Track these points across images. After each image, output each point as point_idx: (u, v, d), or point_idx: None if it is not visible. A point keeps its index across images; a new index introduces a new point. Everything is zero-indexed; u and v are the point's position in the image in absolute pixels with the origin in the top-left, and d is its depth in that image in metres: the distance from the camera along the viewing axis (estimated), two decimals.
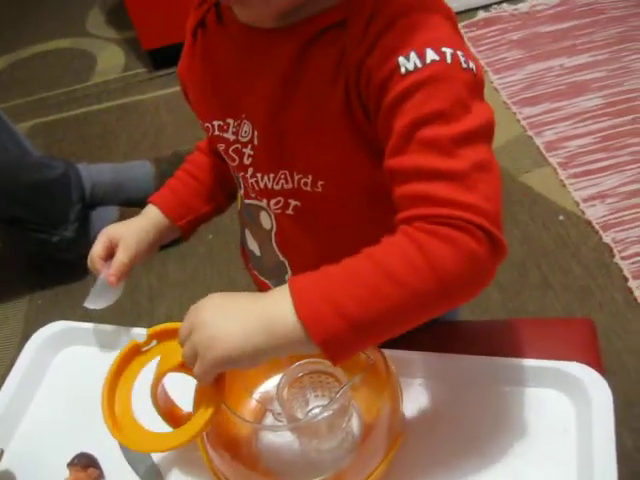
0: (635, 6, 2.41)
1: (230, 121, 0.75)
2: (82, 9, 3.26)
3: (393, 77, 0.61)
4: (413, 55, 0.60)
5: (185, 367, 0.64)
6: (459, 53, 0.62)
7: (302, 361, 0.68)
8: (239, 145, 0.75)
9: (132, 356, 0.71)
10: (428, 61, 0.60)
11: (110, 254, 0.87)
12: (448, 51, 0.61)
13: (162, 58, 2.62)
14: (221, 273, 1.86)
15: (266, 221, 0.81)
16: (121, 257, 0.86)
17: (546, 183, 1.88)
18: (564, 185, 1.85)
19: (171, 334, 0.68)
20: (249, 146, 0.74)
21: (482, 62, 2.30)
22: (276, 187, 0.74)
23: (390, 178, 0.62)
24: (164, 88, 2.53)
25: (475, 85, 0.63)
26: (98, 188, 1.89)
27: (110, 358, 0.87)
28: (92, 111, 2.60)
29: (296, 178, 0.72)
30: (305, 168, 0.71)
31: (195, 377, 0.62)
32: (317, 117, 0.67)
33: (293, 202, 0.75)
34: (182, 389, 0.70)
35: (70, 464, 0.75)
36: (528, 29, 2.42)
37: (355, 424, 0.68)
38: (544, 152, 1.96)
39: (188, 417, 0.72)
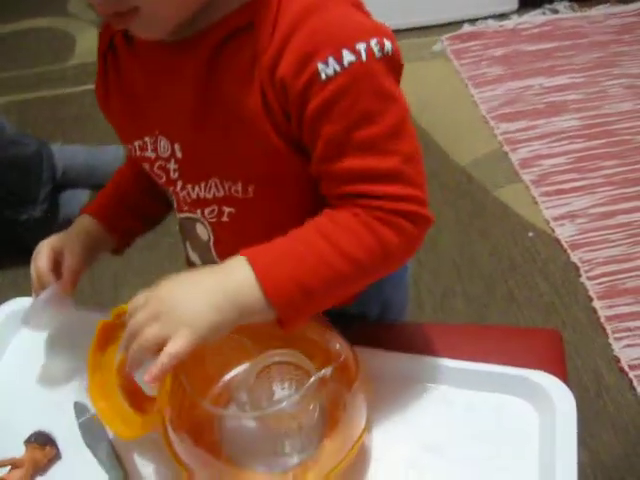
0: (616, 33, 2.47)
1: (147, 139, 0.75)
2: None
3: (314, 84, 0.61)
4: (331, 60, 0.61)
5: None
6: (372, 43, 0.62)
7: (271, 351, 0.67)
8: (162, 162, 0.75)
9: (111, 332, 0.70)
10: (346, 64, 0.61)
11: (56, 266, 0.83)
12: (362, 47, 0.61)
13: None
14: (187, 267, 1.84)
15: (203, 233, 0.80)
16: (71, 264, 0.82)
17: (518, 199, 1.90)
18: (536, 202, 1.88)
19: None
20: (172, 160, 0.73)
21: (464, 75, 2.34)
22: (208, 196, 0.74)
23: (323, 180, 0.67)
24: None
25: (392, 67, 0.64)
26: (70, 170, 1.88)
27: (70, 338, 0.86)
28: (68, 93, 2.57)
29: (226, 185, 0.72)
30: (233, 175, 0.71)
31: (167, 356, 0.60)
32: (236, 122, 0.66)
33: (227, 209, 0.75)
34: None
35: (27, 441, 0.74)
36: (511, 46, 2.46)
37: (320, 418, 0.68)
38: (518, 169, 1.98)
39: (152, 401, 0.71)
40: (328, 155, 0.64)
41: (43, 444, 0.74)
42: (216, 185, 0.72)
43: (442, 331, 0.81)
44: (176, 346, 0.59)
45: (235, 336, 0.68)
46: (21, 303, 0.92)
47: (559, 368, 0.75)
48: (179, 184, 0.75)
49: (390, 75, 0.64)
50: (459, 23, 2.56)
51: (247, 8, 0.64)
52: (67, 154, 1.89)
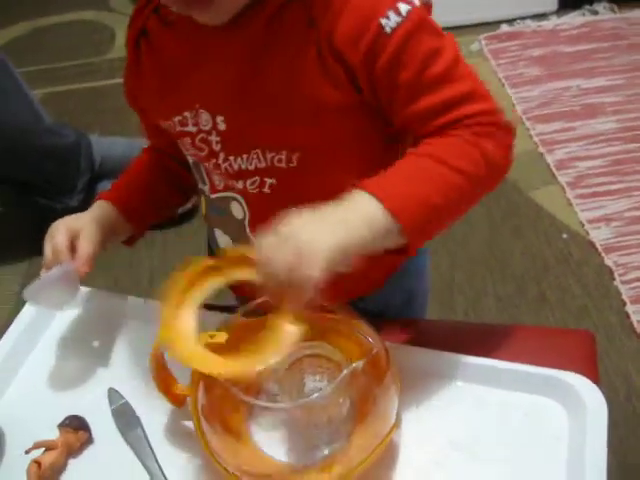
0: None
1: (187, 114, 0.77)
2: None
3: (380, 39, 0.66)
4: (391, 13, 0.66)
5: None
6: None
7: (303, 343, 0.68)
8: (204, 134, 0.77)
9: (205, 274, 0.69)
10: (404, 13, 0.67)
11: (71, 246, 0.83)
12: None
13: None
14: None
15: (238, 211, 0.82)
16: (87, 245, 0.82)
17: (553, 201, 1.89)
18: (571, 204, 1.86)
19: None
20: (214, 133, 0.76)
21: (501, 75, 2.33)
22: (250, 167, 0.76)
23: (409, 123, 0.71)
24: None
25: (431, 10, 0.71)
26: (107, 161, 1.90)
27: (109, 324, 0.88)
28: (107, 85, 2.61)
29: (269, 156, 0.75)
30: (277, 145, 0.74)
31: (298, 283, 0.60)
32: (289, 91, 0.70)
33: (269, 180, 0.77)
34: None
35: (61, 425, 0.76)
36: (549, 47, 2.44)
37: (350, 411, 0.68)
38: (554, 170, 1.97)
39: (183, 391, 0.72)
40: (409, 99, 0.69)
41: (76, 428, 0.76)
42: (258, 156, 0.75)
43: (473, 330, 0.81)
44: (313, 271, 0.59)
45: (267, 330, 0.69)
46: None
47: (591, 370, 0.74)
48: (221, 156, 0.77)
49: (430, 15, 0.70)
50: (497, 23, 2.55)
51: None
52: (105, 145, 1.91)
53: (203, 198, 0.87)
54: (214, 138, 0.76)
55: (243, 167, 0.76)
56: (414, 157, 0.69)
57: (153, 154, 0.94)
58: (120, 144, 1.95)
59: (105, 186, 1.89)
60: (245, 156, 0.75)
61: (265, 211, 0.77)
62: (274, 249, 0.61)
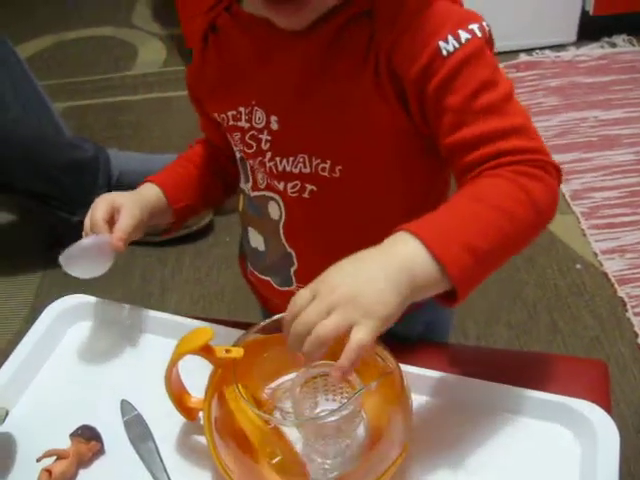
0: None
1: (242, 109, 0.79)
2: (131, 0, 3.33)
3: (436, 60, 0.68)
4: (450, 38, 0.68)
5: (206, 350, 0.65)
6: (480, 24, 0.70)
7: (318, 362, 0.68)
8: (255, 132, 0.79)
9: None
10: (463, 40, 0.68)
11: (111, 221, 0.85)
12: (475, 26, 0.69)
13: None
14: (235, 275, 1.86)
15: (275, 211, 0.83)
16: (127, 222, 0.84)
17: (568, 231, 1.89)
18: (585, 235, 1.87)
19: None
20: (265, 132, 0.78)
21: None
22: (294, 170, 0.78)
23: (452, 151, 0.70)
24: None
25: (492, 46, 0.72)
26: (125, 176, 1.91)
27: (122, 336, 0.89)
28: (127, 101, 2.64)
29: (314, 163, 0.76)
30: (324, 153, 0.75)
31: (356, 345, 0.57)
32: (342, 102, 0.72)
33: (309, 186, 0.78)
34: (194, 376, 0.72)
35: (73, 434, 0.76)
36: (567, 77, 2.45)
37: (362, 431, 0.69)
38: (569, 200, 1.97)
39: (196, 405, 0.73)
40: (455, 125, 0.69)
41: (88, 438, 0.76)
42: (304, 161, 0.77)
43: (486, 355, 0.82)
44: (362, 333, 0.57)
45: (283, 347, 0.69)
46: (72, 301, 0.95)
47: (604, 399, 0.74)
48: (268, 155, 0.79)
49: (492, 52, 0.71)
50: (516, 52, 2.56)
51: None
52: (122, 160, 1.93)
53: (242, 196, 0.88)
54: (265, 137, 0.78)
55: (287, 169, 0.78)
56: (462, 199, 0.67)
57: (205, 145, 0.96)
58: (137, 159, 1.97)
59: None
60: (291, 159, 0.77)
61: (301, 216, 0.81)
62: (303, 304, 0.60)
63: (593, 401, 0.72)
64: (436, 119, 0.70)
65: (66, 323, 0.92)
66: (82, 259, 0.83)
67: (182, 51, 2.81)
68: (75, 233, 1.86)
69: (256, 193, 0.84)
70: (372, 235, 0.63)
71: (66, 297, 0.95)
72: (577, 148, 2.14)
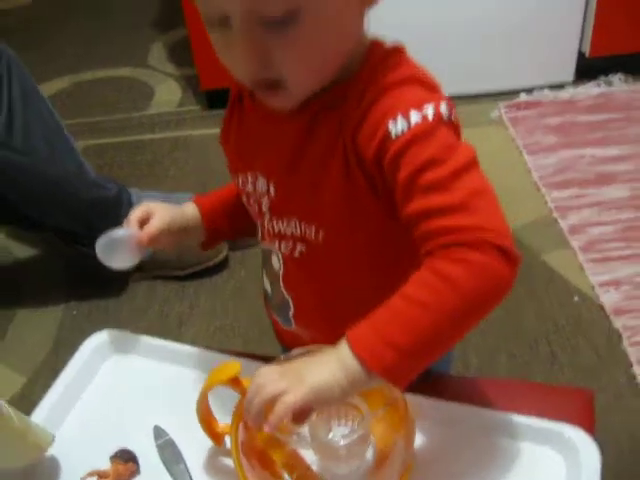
0: None
1: (249, 176, 0.88)
2: (146, 42, 3.43)
3: (386, 142, 0.71)
4: (400, 119, 0.70)
5: (234, 382, 0.74)
6: (441, 107, 0.71)
7: None
8: (257, 196, 0.88)
9: None
10: (412, 122, 0.70)
11: (145, 223, 0.96)
12: (429, 108, 0.71)
13: (217, 99, 2.75)
14: (249, 308, 1.95)
15: (276, 263, 0.92)
16: (156, 223, 0.94)
17: (566, 264, 1.96)
18: (582, 268, 1.93)
19: None
20: (265, 197, 0.86)
21: (519, 142, 2.42)
22: (288, 232, 0.86)
23: (407, 225, 0.72)
24: (215, 127, 2.62)
25: (455, 130, 0.73)
26: None
27: (152, 367, 0.98)
28: (144, 140, 2.73)
29: (303, 227, 0.84)
30: (310, 219, 0.83)
31: (283, 404, 0.67)
32: (321, 178, 0.78)
33: (300, 247, 0.86)
34: (221, 405, 0.81)
35: (113, 457, 0.84)
36: (566, 116, 2.53)
37: (371, 453, 0.77)
38: (567, 235, 2.04)
39: (224, 430, 0.82)
40: (402, 200, 0.71)
41: (126, 460, 0.84)
42: (295, 225, 0.85)
43: (485, 384, 0.90)
44: (291, 397, 0.67)
45: None
46: (106, 336, 1.03)
47: (588, 424, 0.82)
48: (267, 217, 0.88)
49: (451, 133, 0.72)
50: (517, 92, 2.65)
51: (345, 84, 0.76)
52: (144, 199, 2.01)
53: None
54: (265, 201, 0.87)
55: (282, 230, 0.87)
56: (395, 297, 0.69)
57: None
58: (157, 198, 2.06)
59: None
60: (286, 221, 0.86)
61: (294, 270, 0.89)
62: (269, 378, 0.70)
63: (579, 426, 0.80)
64: (394, 194, 0.73)
65: (102, 355, 1.00)
66: (113, 249, 0.95)
67: (197, 92, 2.90)
68: (99, 268, 1.95)
69: (263, 246, 0.94)
70: (354, 287, 0.72)
71: (99, 333, 1.03)
72: (575, 184, 2.22)
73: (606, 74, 2.70)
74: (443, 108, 0.72)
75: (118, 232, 0.95)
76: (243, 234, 1.08)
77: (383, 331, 0.67)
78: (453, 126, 0.73)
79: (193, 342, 1.73)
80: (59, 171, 1.90)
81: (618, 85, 2.66)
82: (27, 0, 4.02)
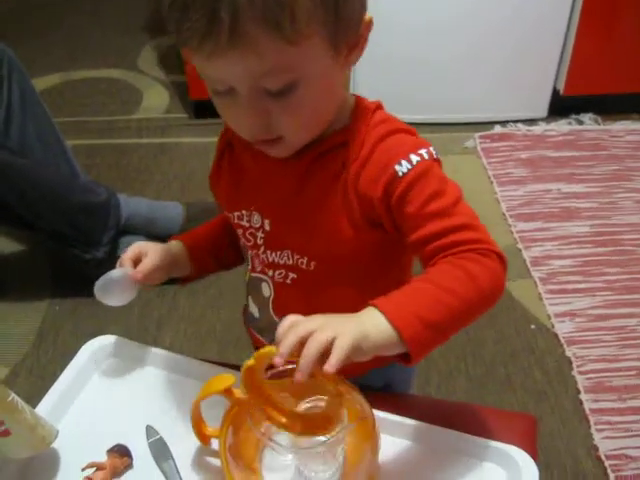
0: (633, 149, 2.65)
1: (244, 212, 0.98)
2: (136, 45, 3.48)
3: (394, 181, 0.84)
4: (404, 162, 0.84)
5: (227, 392, 0.84)
6: (431, 149, 0.87)
7: (310, 398, 0.86)
8: (253, 230, 0.97)
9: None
10: (414, 163, 0.84)
11: (137, 262, 1.03)
12: (423, 151, 0.86)
13: (204, 109, 2.80)
14: (226, 316, 2.03)
15: (266, 290, 1.02)
16: (148, 262, 1.02)
17: (526, 294, 2.07)
18: (541, 298, 2.05)
19: None
20: (260, 230, 0.96)
21: (490, 173, 2.52)
22: (280, 262, 0.96)
23: (414, 247, 0.86)
24: (201, 136, 2.72)
25: (439, 164, 0.88)
26: (132, 219, 2.09)
27: (144, 371, 1.06)
28: (131, 144, 2.79)
29: (295, 257, 0.94)
30: (302, 251, 0.94)
31: (340, 348, 0.71)
32: (317, 215, 0.89)
33: (291, 275, 0.97)
34: (211, 411, 0.89)
35: (109, 450, 0.91)
36: (536, 150, 2.64)
37: (341, 460, 0.87)
38: (529, 266, 2.15)
39: (212, 433, 0.91)
40: (414, 227, 0.84)
41: (121, 454, 0.91)
42: (288, 255, 0.95)
43: (438, 405, 1.01)
44: (345, 341, 0.71)
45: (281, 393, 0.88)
46: (104, 340, 1.09)
47: (530, 445, 0.93)
48: (261, 249, 0.98)
49: (440, 168, 0.87)
50: (492, 123, 2.77)
51: (344, 131, 0.89)
52: (131, 205, 2.11)
53: (247, 271, 1.07)
54: (259, 234, 0.97)
55: (275, 260, 0.97)
56: (416, 282, 0.82)
57: (226, 221, 1.13)
58: (144, 204, 2.15)
59: (129, 241, 2.06)
60: (279, 252, 0.96)
61: (285, 296, 1.00)
62: (291, 326, 0.75)
63: (521, 446, 0.91)
64: (401, 224, 0.86)
65: (98, 359, 1.07)
66: (110, 289, 1.02)
67: (184, 100, 2.97)
68: (88, 268, 2.04)
69: (253, 274, 1.03)
70: (342, 307, 0.79)
71: (99, 337, 1.10)
72: (540, 218, 2.33)
73: (578, 112, 2.82)
74: (432, 149, 0.87)
75: (114, 273, 1.01)
76: (227, 267, 1.17)
77: (416, 307, 0.78)
78: (439, 162, 0.88)
79: (171, 345, 1.83)
80: (52, 174, 1.98)
81: (588, 124, 2.79)
82: None
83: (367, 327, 0.75)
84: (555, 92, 2.79)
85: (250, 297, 1.08)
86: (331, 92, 0.87)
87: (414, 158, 0.85)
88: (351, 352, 0.72)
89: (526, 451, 0.90)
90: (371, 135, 0.87)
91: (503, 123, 2.80)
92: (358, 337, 0.73)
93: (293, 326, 0.75)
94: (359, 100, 0.93)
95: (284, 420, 0.83)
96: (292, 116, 0.82)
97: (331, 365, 0.71)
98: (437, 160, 0.88)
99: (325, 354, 0.72)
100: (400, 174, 0.84)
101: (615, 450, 1.65)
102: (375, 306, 0.78)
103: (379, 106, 0.92)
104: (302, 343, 0.73)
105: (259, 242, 0.98)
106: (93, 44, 3.55)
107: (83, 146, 2.76)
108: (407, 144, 0.87)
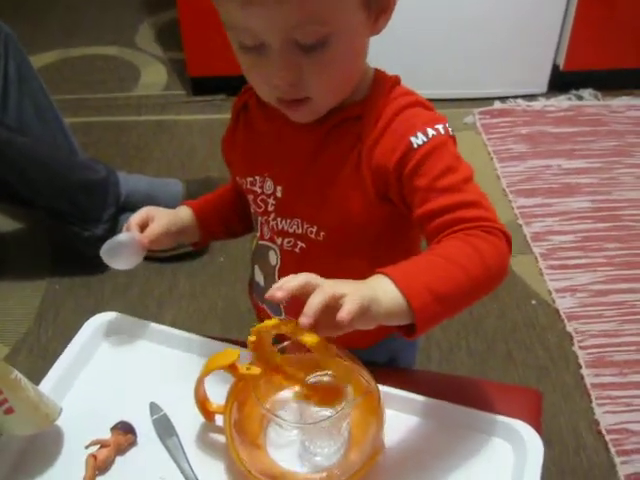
0: (634, 124, 2.64)
1: (257, 178, 0.98)
2: (134, 22, 3.46)
3: (409, 152, 0.85)
4: (419, 134, 0.85)
5: (231, 367, 0.84)
6: (444, 124, 0.87)
7: (316, 373, 0.86)
8: (264, 196, 0.98)
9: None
10: (430, 136, 0.85)
11: (144, 227, 1.04)
12: (440, 126, 0.86)
13: (203, 86, 2.81)
14: (226, 293, 2.04)
15: (273, 259, 1.02)
16: (156, 227, 1.04)
17: (526, 269, 2.07)
18: (542, 274, 2.05)
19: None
20: (272, 197, 0.97)
21: (490, 149, 2.52)
22: (290, 230, 0.97)
23: (421, 222, 0.86)
24: (200, 114, 2.73)
25: (454, 141, 0.89)
26: (132, 196, 2.08)
27: (147, 348, 1.06)
28: (130, 121, 2.79)
29: (305, 226, 0.95)
30: (312, 220, 0.94)
31: (351, 302, 0.71)
32: (330, 184, 0.90)
33: (300, 244, 0.97)
34: (215, 388, 0.90)
35: (113, 428, 0.91)
36: (536, 126, 2.64)
37: (347, 434, 0.88)
38: (530, 241, 2.15)
39: (216, 410, 0.91)
40: (423, 200, 0.84)
41: (125, 431, 0.91)
42: (298, 224, 0.96)
43: (447, 380, 1.01)
44: (355, 298, 0.71)
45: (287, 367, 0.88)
46: (107, 317, 1.09)
47: (535, 419, 0.94)
48: (272, 215, 0.98)
49: (455, 145, 0.88)
50: (491, 99, 2.77)
51: (360, 104, 0.90)
52: (130, 182, 2.10)
53: (254, 240, 1.07)
54: (271, 201, 0.97)
55: (285, 228, 0.97)
56: (425, 255, 0.82)
57: (234, 189, 1.14)
58: (143, 182, 2.15)
59: (127, 218, 2.06)
60: (289, 221, 0.96)
61: (292, 265, 1.00)
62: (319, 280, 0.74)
63: (526, 421, 0.91)
64: (410, 197, 0.86)
65: (101, 336, 1.07)
66: (116, 252, 1.02)
67: (182, 77, 2.96)
68: (87, 246, 2.04)
69: (262, 242, 1.03)
70: (348, 278, 0.81)
71: (101, 314, 1.10)
72: (540, 194, 2.33)
73: (577, 88, 2.82)
74: (448, 126, 0.88)
75: (121, 236, 1.02)
76: (234, 235, 1.18)
77: (426, 278, 0.77)
78: (454, 140, 0.89)
79: (172, 322, 1.82)
80: (50, 151, 1.97)
81: (588, 99, 2.78)
82: None
83: (377, 292, 0.74)
84: (555, 67, 2.78)
85: (257, 265, 1.08)
86: (359, 55, 0.88)
87: (430, 131, 0.86)
88: (360, 312, 0.71)
89: (531, 425, 0.90)
90: (390, 107, 0.88)
91: (503, 99, 2.79)
92: (368, 298, 0.72)
93: (297, 276, 0.75)
94: (378, 73, 0.93)
95: (297, 388, 0.85)
96: (322, 74, 0.83)
97: (346, 312, 0.70)
98: (452, 137, 0.88)
99: (333, 311, 0.71)
100: (415, 146, 0.85)
101: (616, 424, 1.66)
102: (385, 274, 0.77)
103: (397, 80, 0.93)
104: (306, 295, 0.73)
105: (270, 209, 0.98)
106: (90, 21, 3.53)
107: (81, 123, 2.75)
108: (424, 117, 0.88)
